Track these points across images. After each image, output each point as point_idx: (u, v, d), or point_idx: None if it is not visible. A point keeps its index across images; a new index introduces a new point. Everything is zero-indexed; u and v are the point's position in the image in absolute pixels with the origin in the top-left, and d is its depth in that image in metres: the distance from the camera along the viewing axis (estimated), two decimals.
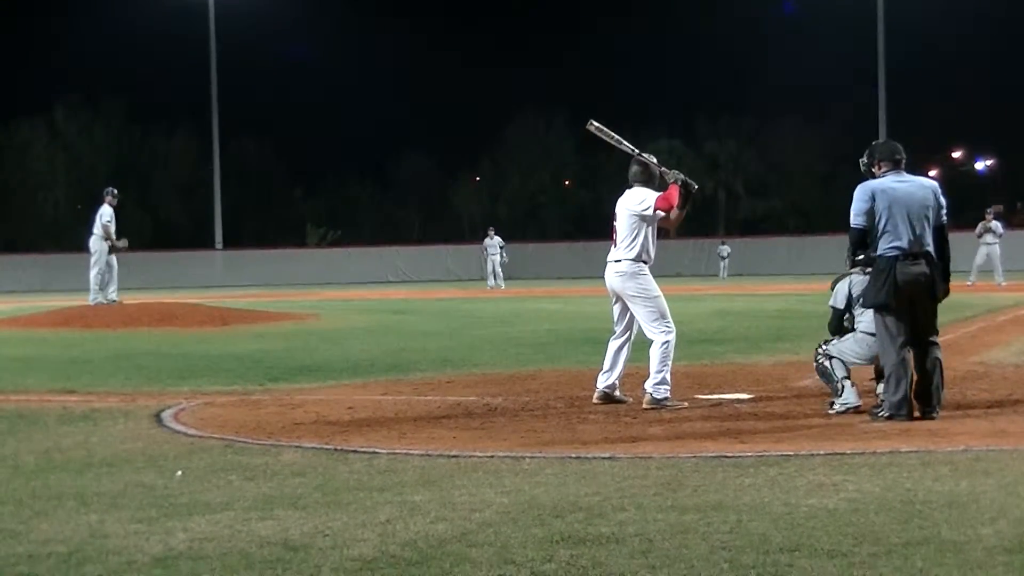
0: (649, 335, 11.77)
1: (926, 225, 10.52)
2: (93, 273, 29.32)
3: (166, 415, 11.40)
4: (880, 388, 10.94)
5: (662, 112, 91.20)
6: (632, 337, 12.08)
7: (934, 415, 10.42)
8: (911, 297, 10.47)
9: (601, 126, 12.60)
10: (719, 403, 11.81)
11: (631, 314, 11.98)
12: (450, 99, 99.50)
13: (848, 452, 8.64)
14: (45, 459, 9.21)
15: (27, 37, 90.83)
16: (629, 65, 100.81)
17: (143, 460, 9.03)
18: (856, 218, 10.68)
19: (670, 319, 11.84)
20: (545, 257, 70.37)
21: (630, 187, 12.23)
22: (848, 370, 11.06)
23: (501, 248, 50.36)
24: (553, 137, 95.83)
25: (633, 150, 12.38)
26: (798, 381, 13.43)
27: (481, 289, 46.87)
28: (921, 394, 10.51)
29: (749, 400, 11.97)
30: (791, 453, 8.66)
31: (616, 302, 12.13)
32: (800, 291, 39.21)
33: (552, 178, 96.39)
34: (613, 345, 12.09)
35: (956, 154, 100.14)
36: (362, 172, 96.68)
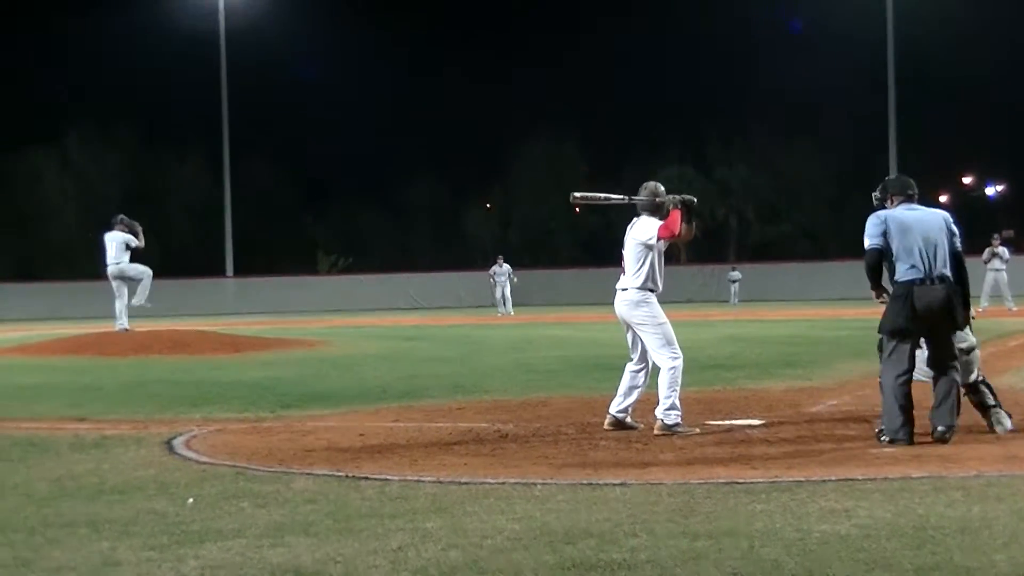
0: (657, 362, 11.82)
1: (942, 251, 10.58)
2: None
3: (178, 442, 11.40)
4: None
5: (672, 139, 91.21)
6: (650, 366, 12.10)
7: (946, 436, 10.41)
8: (930, 322, 10.52)
9: (584, 194, 12.77)
10: (731, 429, 11.80)
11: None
12: (461, 125, 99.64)
13: (860, 478, 8.63)
14: (57, 486, 9.22)
15: (38, 65, 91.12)
16: (639, 91, 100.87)
17: (155, 487, 9.04)
18: (871, 240, 10.76)
19: (677, 346, 11.89)
20: (555, 283, 70.33)
21: (638, 216, 12.26)
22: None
23: (510, 274, 50.58)
24: (564, 164, 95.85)
25: (623, 198, 12.45)
26: (810, 407, 13.42)
27: (492, 315, 46.87)
28: (935, 413, 10.54)
29: (761, 426, 11.95)
30: (803, 479, 8.65)
31: (628, 331, 12.18)
32: (811, 316, 39.19)
33: (563, 203, 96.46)
34: (629, 371, 12.12)
35: (967, 179, 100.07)
36: (373, 198, 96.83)
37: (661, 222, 12.01)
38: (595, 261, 78.72)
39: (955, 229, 10.82)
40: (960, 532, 6.83)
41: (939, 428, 10.46)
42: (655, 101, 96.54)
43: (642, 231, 12.07)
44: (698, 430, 11.58)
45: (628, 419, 11.92)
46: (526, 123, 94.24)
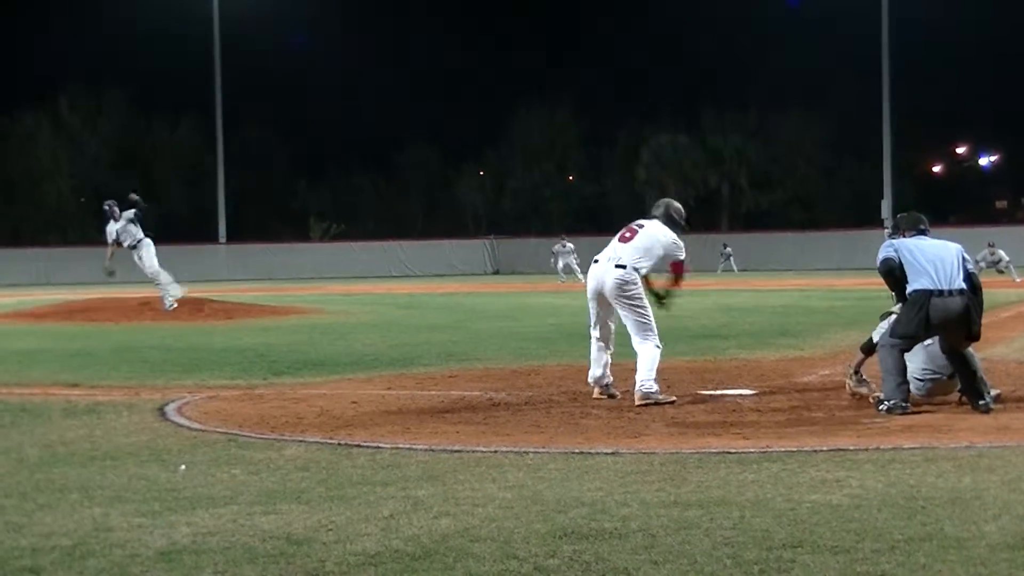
0: (639, 345, 11.72)
1: (956, 268, 10.67)
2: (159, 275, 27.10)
3: (170, 409, 11.41)
4: (852, 382, 11.41)
5: (666, 106, 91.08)
6: (611, 336, 12.07)
7: (990, 406, 10.50)
8: (944, 329, 10.63)
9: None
10: (722, 399, 11.82)
11: (608, 318, 11.96)
12: (454, 91, 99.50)
13: (851, 448, 8.65)
14: (49, 452, 9.22)
15: (30, 27, 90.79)
16: (633, 58, 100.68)
17: (147, 454, 9.04)
18: (882, 253, 10.92)
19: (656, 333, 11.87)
20: (548, 251, 70.35)
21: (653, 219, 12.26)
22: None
23: (572, 252, 53.41)
24: (557, 130, 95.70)
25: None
26: (802, 377, 13.45)
27: (484, 283, 46.77)
28: (968, 389, 10.68)
29: (752, 396, 11.98)
30: (794, 449, 8.67)
31: (596, 302, 12.05)
32: (804, 286, 39.23)
33: (556, 171, 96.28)
34: (596, 344, 12.07)
35: (960, 149, 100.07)
36: (365, 164, 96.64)
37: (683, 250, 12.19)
38: (588, 229, 78.69)
39: (968, 257, 11.01)
40: (951, 503, 6.84)
41: (979, 403, 10.54)
42: (649, 68, 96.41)
43: (673, 241, 12.13)
44: (675, 398, 11.56)
45: (611, 387, 11.94)
46: (520, 90, 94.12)
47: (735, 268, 62.61)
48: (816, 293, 34.74)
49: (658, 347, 11.72)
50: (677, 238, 12.16)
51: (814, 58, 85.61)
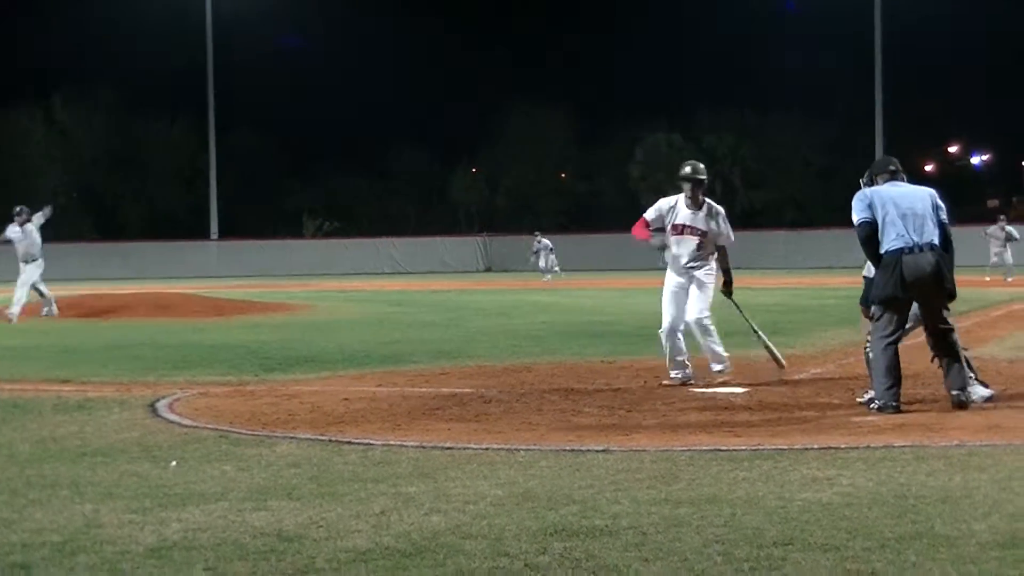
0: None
1: (928, 220, 10.62)
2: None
3: (161, 405, 11.40)
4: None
5: (661, 105, 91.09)
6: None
7: (964, 399, 10.54)
8: (919, 290, 10.57)
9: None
10: (714, 396, 11.82)
11: None
12: (448, 90, 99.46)
13: (842, 446, 8.65)
14: (40, 448, 9.21)
15: (24, 25, 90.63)
16: (628, 58, 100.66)
17: (138, 450, 9.04)
18: (858, 215, 10.82)
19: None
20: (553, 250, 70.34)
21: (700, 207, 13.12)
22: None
23: (550, 249, 53.33)
24: (551, 129, 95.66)
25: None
26: (793, 375, 13.45)
27: (476, 281, 46.74)
28: (948, 382, 10.68)
29: (744, 393, 11.99)
30: (785, 447, 8.67)
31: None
32: (796, 285, 39.26)
33: (550, 170, 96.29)
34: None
35: (952, 148, 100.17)
36: (359, 162, 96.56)
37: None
38: (581, 228, 78.73)
39: (941, 204, 10.87)
40: (941, 501, 6.85)
41: (954, 392, 10.58)
42: (644, 67, 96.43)
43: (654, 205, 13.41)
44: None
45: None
46: (514, 88, 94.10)
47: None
48: (807, 291, 34.76)
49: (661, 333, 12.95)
50: (659, 202, 12.80)
51: (808, 58, 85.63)
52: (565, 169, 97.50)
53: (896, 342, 10.65)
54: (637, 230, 13.39)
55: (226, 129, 75.32)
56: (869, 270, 11.30)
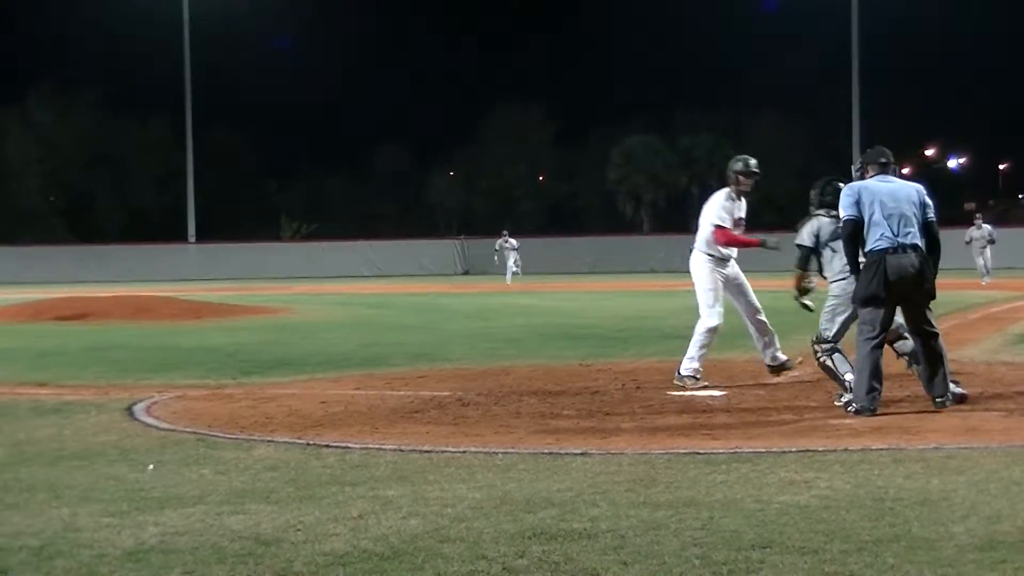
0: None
1: (913, 221, 10.66)
2: None
3: (138, 408, 11.38)
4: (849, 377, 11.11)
5: (638, 106, 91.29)
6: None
7: (946, 403, 10.59)
8: (901, 290, 10.59)
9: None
10: (692, 399, 11.83)
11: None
12: (425, 91, 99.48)
13: (820, 449, 8.67)
14: (17, 451, 9.18)
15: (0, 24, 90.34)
16: (605, 59, 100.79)
17: (115, 453, 9.01)
18: (845, 211, 10.81)
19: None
20: (520, 251, 70.28)
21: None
22: (851, 364, 11.14)
23: (515, 248, 52.14)
24: (529, 131, 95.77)
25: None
26: (771, 378, 13.46)
27: (454, 284, 46.70)
28: (929, 384, 10.73)
29: (722, 396, 12.00)
30: (763, 450, 8.68)
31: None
32: (774, 288, 39.26)
33: (527, 172, 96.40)
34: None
35: (929, 151, 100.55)
36: (337, 164, 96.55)
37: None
38: (560, 229, 78.77)
39: (928, 201, 10.92)
40: (919, 504, 6.86)
41: (938, 399, 10.64)
42: (621, 69, 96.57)
43: (713, 206, 13.72)
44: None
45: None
46: (492, 90, 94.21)
47: None
48: (785, 294, 34.77)
49: (707, 327, 13.25)
50: (721, 200, 12.70)
51: (786, 60, 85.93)
52: (543, 171, 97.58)
53: (881, 345, 10.69)
54: (733, 238, 13.40)
55: (204, 129, 75.19)
56: (801, 238, 11.92)
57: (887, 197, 10.72)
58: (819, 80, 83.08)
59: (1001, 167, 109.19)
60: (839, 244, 11.23)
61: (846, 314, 11.47)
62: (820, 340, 11.63)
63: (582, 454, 8.66)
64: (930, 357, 10.72)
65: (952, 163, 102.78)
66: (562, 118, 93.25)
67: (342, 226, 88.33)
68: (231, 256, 67.95)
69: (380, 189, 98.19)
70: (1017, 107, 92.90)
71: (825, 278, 11.86)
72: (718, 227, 13.15)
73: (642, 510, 6.79)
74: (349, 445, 9.17)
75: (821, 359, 11.53)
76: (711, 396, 12.01)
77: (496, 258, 53.79)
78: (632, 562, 5.75)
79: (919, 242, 10.67)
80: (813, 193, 12.25)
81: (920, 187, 11.01)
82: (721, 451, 8.67)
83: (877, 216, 10.65)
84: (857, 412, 10.47)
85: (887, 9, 69.14)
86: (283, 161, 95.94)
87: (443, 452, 8.85)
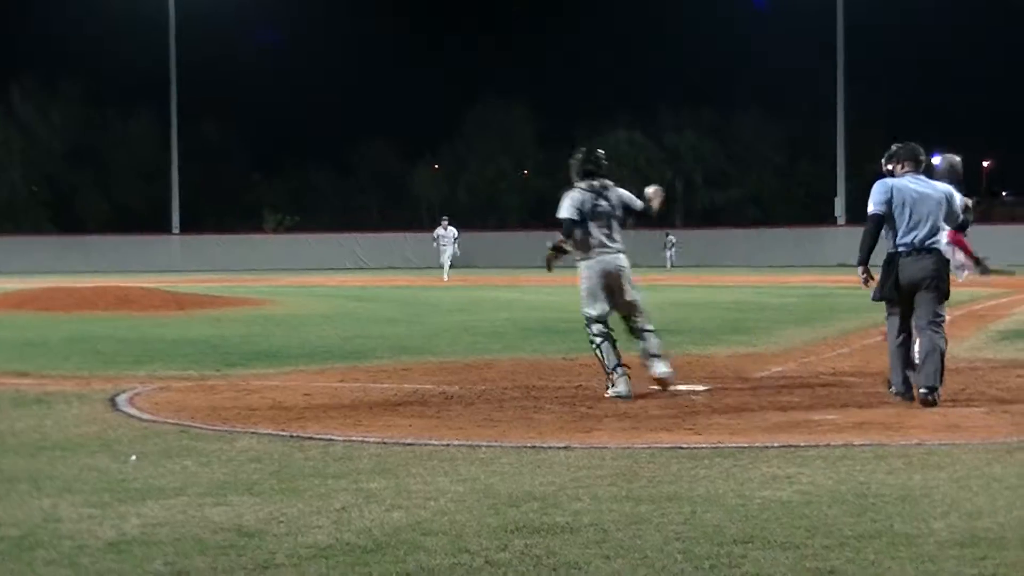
0: None
1: (936, 225, 10.97)
2: None
3: (121, 399, 11.35)
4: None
5: (622, 102, 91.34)
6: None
7: (930, 397, 10.70)
8: (911, 291, 10.94)
9: None
10: (675, 394, 11.84)
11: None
12: (411, 85, 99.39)
13: (802, 445, 8.68)
14: None
15: None
16: (591, 54, 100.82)
17: (97, 444, 8.99)
18: (875, 206, 11.05)
19: None
20: (504, 245, 70.31)
21: None
22: (619, 358, 11.59)
23: (455, 239, 47.71)
24: (513, 125, 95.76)
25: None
26: (754, 373, 13.50)
27: (438, 277, 46.65)
28: (919, 375, 10.88)
29: (705, 391, 12.01)
30: (746, 445, 8.70)
31: None
32: (757, 283, 39.38)
33: (512, 166, 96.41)
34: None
35: None
36: (321, 157, 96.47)
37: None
38: (543, 223, 78.66)
39: (957, 206, 11.25)
40: (900, 500, 6.88)
41: (922, 390, 10.75)
42: (607, 64, 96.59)
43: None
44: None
45: None
46: (477, 85, 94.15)
47: (671, 263, 61.98)
48: (768, 289, 34.89)
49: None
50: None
51: (771, 58, 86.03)
52: (526, 166, 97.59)
53: (905, 342, 11.07)
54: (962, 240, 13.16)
55: (188, 122, 75.03)
56: (565, 211, 12.04)
57: (918, 202, 10.99)
58: (803, 78, 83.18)
59: (984, 164, 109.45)
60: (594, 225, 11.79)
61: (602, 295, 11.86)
62: (587, 322, 11.93)
63: (565, 448, 8.66)
64: (926, 347, 10.88)
65: (935, 160, 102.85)
66: (547, 113, 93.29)
67: (326, 219, 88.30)
68: (215, 248, 67.88)
69: (364, 183, 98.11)
70: (1001, 105, 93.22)
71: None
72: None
73: (624, 504, 6.79)
74: (332, 437, 9.17)
75: (592, 347, 11.84)
76: (694, 391, 12.02)
77: (434, 246, 48.80)
78: (614, 556, 5.76)
79: (940, 245, 11.01)
80: (573, 163, 12.32)
81: (950, 190, 11.29)
82: (704, 446, 8.68)
83: (903, 218, 10.93)
84: (897, 395, 10.96)
85: (872, 8, 69.23)
86: (267, 154, 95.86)
87: (426, 445, 8.85)
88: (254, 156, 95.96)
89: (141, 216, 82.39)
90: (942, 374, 10.89)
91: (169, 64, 67.96)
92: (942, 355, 10.91)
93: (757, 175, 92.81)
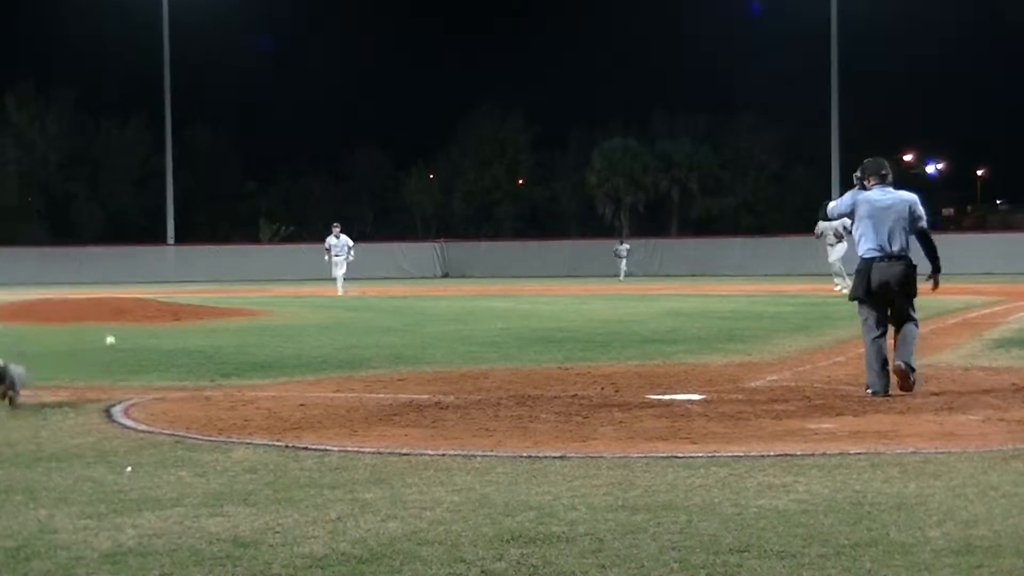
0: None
1: (902, 233, 12.07)
2: None
3: (116, 410, 11.35)
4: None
5: (617, 110, 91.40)
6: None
7: (904, 369, 11.81)
8: (884, 293, 12.05)
9: None
10: (671, 403, 11.84)
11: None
12: (405, 94, 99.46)
13: (798, 453, 8.68)
14: None
15: None
16: (585, 62, 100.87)
17: (93, 455, 8.99)
18: (837, 210, 12.65)
19: None
20: (498, 255, 70.29)
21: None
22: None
23: (349, 249, 42.78)
24: (508, 133, 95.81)
25: None
26: (750, 382, 13.49)
27: (433, 287, 46.57)
28: (898, 351, 11.97)
29: (700, 400, 12.01)
30: (741, 454, 8.70)
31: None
32: (752, 292, 39.41)
33: (506, 175, 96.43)
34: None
35: (908, 157, 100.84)
36: (316, 166, 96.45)
37: None
38: (538, 233, 78.80)
39: (921, 212, 12.31)
40: (896, 508, 6.89)
41: (899, 362, 11.85)
42: (601, 72, 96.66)
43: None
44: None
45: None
46: (471, 93, 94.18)
47: (623, 272, 59.90)
48: (764, 298, 34.89)
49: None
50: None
51: (766, 64, 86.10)
52: (521, 174, 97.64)
53: (881, 337, 12.04)
54: None
55: (183, 130, 75.04)
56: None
57: (881, 212, 12.12)
58: (797, 85, 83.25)
59: (979, 172, 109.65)
60: None
61: None
62: None
63: (560, 457, 8.66)
64: (905, 331, 12.09)
65: (930, 168, 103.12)
66: (541, 121, 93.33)
67: (321, 228, 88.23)
68: (210, 258, 67.84)
69: (358, 191, 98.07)
70: (994, 113, 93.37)
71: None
72: None
73: (620, 513, 6.80)
74: (327, 448, 9.17)
75: None
76: (689, 400, 12.02)
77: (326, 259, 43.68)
78: (610, 565, 5.76)
79: (905, 249, 12.07)
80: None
81: (915, 198, 12.40)
82: (699, 455, 8.68)
83: (867, 227, 12.12)
84: (874, 394, 11.78)
85: (867, 12, 69.34)
86: (263, 163, 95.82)
87: (421, 455, 8.85)
88: (249, 165, 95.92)
89: (135, 224, 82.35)
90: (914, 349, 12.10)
91: (164, 72, 67.91)
92: (914, 340, 12.10)
93: (752, 183, 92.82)
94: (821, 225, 36.28)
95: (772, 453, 8.71)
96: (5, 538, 6.41)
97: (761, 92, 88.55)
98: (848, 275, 38.02)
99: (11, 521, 6.81)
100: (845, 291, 37.58)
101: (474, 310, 29.88)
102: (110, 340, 8.37)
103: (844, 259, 37.01)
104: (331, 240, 43.18)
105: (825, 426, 10.24)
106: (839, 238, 36.64)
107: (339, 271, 42.35)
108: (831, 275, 38.08)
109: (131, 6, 71.51)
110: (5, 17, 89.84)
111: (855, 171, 12.66)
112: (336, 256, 42.64)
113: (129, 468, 8.39)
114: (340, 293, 41.15)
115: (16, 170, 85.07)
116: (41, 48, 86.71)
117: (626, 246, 62.25)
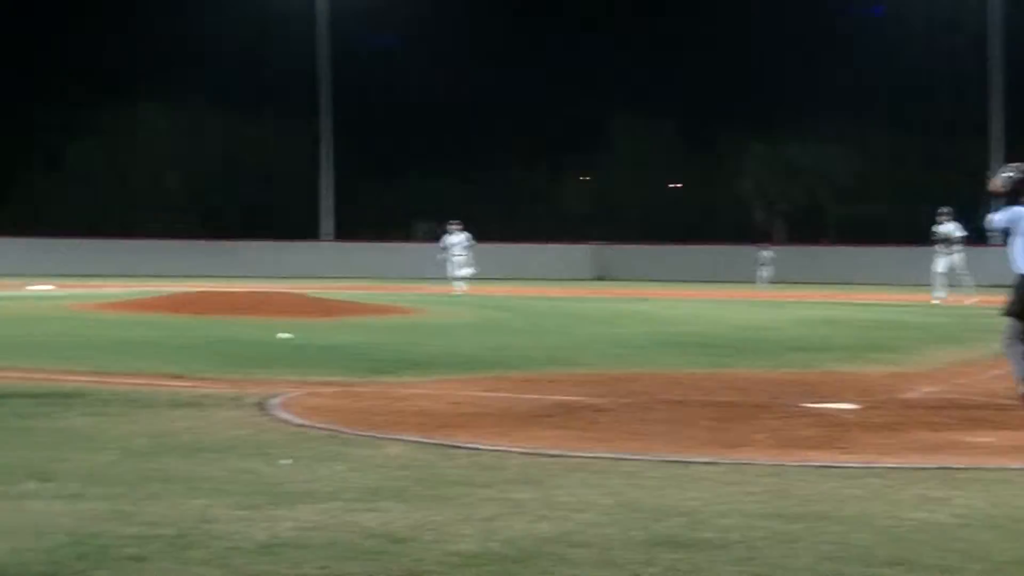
0: None
1: None
2: None
3: (272, 403, 11.52)
4: None
5: (769, 113, 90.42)
6: None
7: None
8: None
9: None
10: (825, 412, 11.71)
11: None
12: (560, 95, 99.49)
13: (956, 467, 8.53)
14: (155, 442, 9.35)
15: (142, 23, 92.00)
16: (736, 65, 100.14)
17: (250, 447, 9.15)
18: (996, 225, 12.51)
19: None
20: (649, 258, 69.94)
21: None
22: None
23: (469, 246, 42.90)
24: (659, 136, 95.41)
25: None
26: (904, 393, 13.28)
27: (584, 288, 46.48)
28: None
29: (856, 410, 11.85)
30: (898, 465, 8.58)
31: None
32: (903, 301, 38.71)
33: (658, 178, 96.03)
34: None
35: None
36: (468, 167, 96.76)
37: None
38: (688, 237, 78.27)
39: None
40: None
41: None
42: (754, 75, 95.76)
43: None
44: None
45: None
46: (625, 95, 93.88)
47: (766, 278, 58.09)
48: (913, 308, 34.19)
49: None
50: None
51: (923, 68, 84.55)
52: (674, 178, 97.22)
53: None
54: None
55: (339, 124, 75.88)
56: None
57: None
58: (946, 85, 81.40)
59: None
60: None
61: None
62: None
63: (711, 463, 8.62)
64: None
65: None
66: (691, 127, 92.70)
67: (475, 229, 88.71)
68: (364, 254, 68.57)
69: (512, 192, 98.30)
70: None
71: None
72: None
73: (774, 522, 6.73)
74: (479, 446, 9.22)
75: None
76: (844, 409, 11.87)
77: (441, 257, 43.77)
78: (763, 574, 5.71)
79: None
80: None
81: None
82: (855, 465, 8.57)
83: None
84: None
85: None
86: (412, 162, 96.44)
87: (572, 457, 8.86)
88: (402, 163, 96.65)
89: (290, 222, 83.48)
90: None
91: (320, 69, 68.85)
92: None
93: (907, 192, 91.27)
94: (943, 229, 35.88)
95: (930, 465, 8.57)
96: (165, 526, 6.54)
97: (922, 101, 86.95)
98: (950, 287, 37.04)
99: (171, 510, 6.95)
100: (938, 303, 36.58)
101: (626, 313, 29.79)
102: (285, 335, 8.52)
103: (958, 271, 36.24)
104: (449, 239, 43.21)
105: (984, 439, 10.04)
106: (950, 246, 35.90)
107: (459, 271, 42.14)
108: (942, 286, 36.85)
109: (288, 6, 72.73)
110: (169, 20, 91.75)
111: (1007, 172, 12.42)
112: (456, 256, 42.63)
113: (289, 461, 8.52)
114: (459, 292, 40.28)
115: (183, 166, 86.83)
116: (205, 46, 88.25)
117: (770, 252, 61.28)
